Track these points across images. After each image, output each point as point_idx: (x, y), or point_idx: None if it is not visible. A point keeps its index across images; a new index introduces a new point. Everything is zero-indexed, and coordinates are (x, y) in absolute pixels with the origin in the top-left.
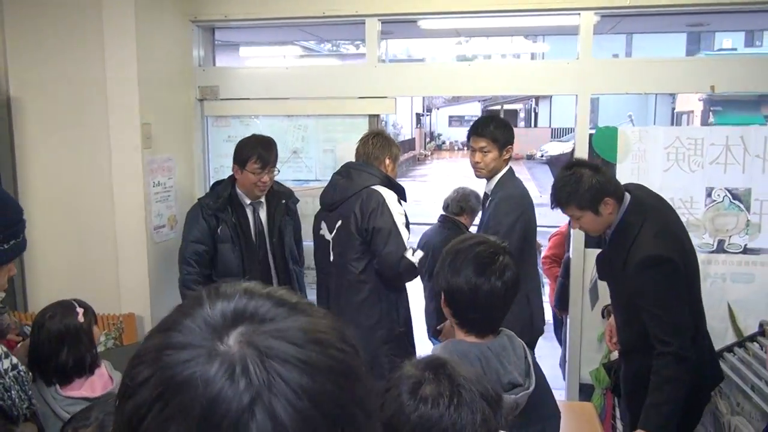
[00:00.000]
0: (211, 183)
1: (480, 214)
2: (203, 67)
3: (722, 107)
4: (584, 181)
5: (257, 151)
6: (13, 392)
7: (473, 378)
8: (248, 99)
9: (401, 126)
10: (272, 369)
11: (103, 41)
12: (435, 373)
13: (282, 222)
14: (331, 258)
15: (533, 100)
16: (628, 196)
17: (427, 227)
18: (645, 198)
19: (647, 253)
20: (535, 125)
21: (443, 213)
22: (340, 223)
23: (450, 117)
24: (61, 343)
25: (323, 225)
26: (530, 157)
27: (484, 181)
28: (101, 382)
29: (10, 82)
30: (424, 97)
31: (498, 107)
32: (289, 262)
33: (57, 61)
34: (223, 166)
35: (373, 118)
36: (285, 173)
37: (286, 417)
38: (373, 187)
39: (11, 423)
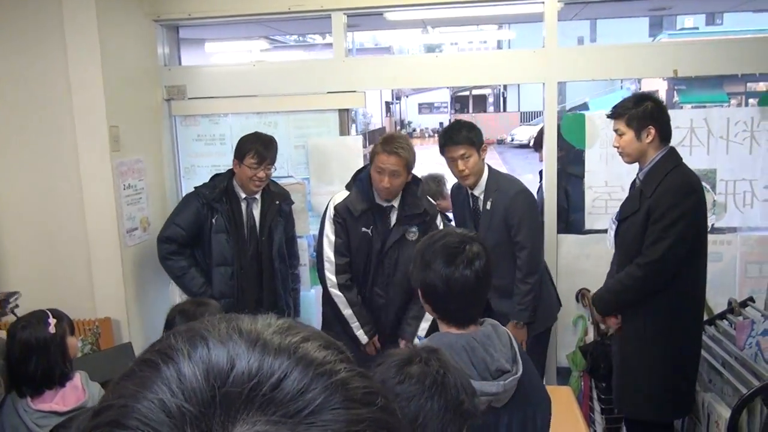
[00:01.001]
0: (183, 183)
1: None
2: (169, 66)
3: (686, 86)
4: (642, 105)
5: (255, 146)
6: None
7: (458, 368)
8: (216, 97)
9: (371, 115)
10: None
11: (66, 44)
12: (425, 356)
13: (273, 222)
14: None
15: (502, 84)
16: (670, 146)
17: None
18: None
19: (682, 180)
20: (504, 110)
21: None
22: None
23: (419, 104)
24: (30, 353)
25: None
26: (500, 142)
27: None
28: (74, 395)
29: None
30: None
31: (467, 93)
32: (275, 261)
33: (18, 66)
34: (194, 166)
35: (344, 112)
36: None
37: None
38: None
39: None
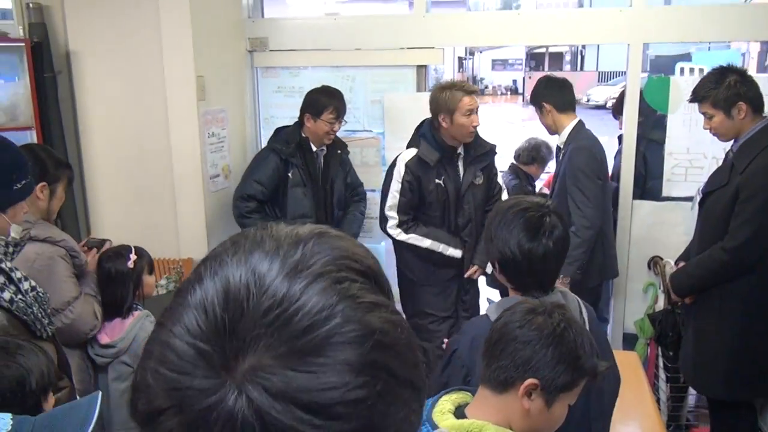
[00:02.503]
0: (263, 133)
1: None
2: (252, 18)
3: None
4: (725, 82)
5: (334, 102)
6: (34, 308)
7: (582, 327)
8: (296, 50)
9: (443, 70)
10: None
11: None
12: (550, 309)
13: (335, 171)
14: None
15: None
16: None
17: None
18: None
19: None
20: (581, 69)
21: (513, 162)
22: None
23: (493, 60)
24: (108, 282)
25: None
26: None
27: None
28: (119, 330)
29: (68, 36)
30: None
31: (543, 50)
32: (335, 209)
33: (113, 16)
34: (273, 117)
35: (421, 68)
36: None
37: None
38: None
39: (34, 338)
